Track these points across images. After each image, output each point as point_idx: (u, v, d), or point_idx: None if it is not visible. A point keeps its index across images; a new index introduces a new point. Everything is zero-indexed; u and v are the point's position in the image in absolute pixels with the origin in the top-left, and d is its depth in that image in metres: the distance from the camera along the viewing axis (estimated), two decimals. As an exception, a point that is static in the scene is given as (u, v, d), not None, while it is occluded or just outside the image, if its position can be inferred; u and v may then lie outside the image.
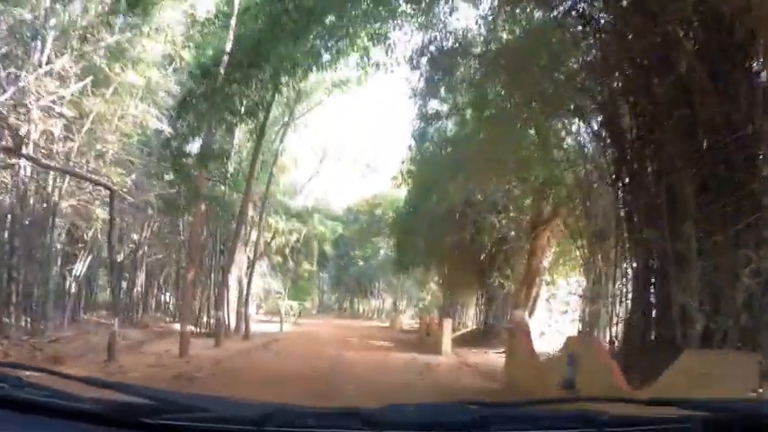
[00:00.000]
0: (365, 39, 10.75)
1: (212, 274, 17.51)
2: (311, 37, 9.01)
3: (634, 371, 6.08)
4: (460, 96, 12.98)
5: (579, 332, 10.40)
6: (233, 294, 17.13)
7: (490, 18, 10.71)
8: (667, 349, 6.40)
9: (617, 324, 8.61)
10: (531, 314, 14.12)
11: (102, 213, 12.72)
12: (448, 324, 15.00)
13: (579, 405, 1.35)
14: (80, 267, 13.92)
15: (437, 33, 11.05)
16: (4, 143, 10.51)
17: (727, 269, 6.01)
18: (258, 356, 12.18)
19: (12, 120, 10.53)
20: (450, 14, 10.82)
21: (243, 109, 10.14)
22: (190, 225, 14.30)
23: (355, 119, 40.13)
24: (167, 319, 18.82)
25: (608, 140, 9.11)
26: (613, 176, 8.83)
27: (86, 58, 11.24)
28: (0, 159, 10.99)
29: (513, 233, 16.98)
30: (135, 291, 17.83)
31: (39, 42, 10.88)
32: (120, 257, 16.50)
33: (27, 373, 1.29)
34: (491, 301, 18.24)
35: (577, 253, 12.55)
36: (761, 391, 3.36)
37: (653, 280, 7.54)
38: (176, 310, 18.59)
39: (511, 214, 16.66)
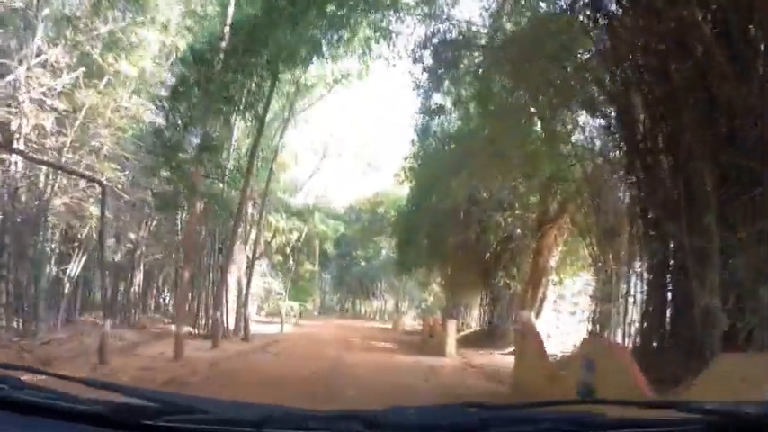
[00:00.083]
0: (366, 29, 10.40)
1: (210, 274, 17.18)
2: (310, 25, 8.68)
3: (651, 374, 5.74)
4: (464, 90, 12.67)
5: (590, 334, 10.03)
6: (232, 295, 16.82)
7: (495, 7, 10.43)
8: (688, 351, 6.06)
9: (630, 324, 8.27)
10: (537, 315, 13.76)
11: (96, 211, 12.38)
12: (452, 325, 14.55)
13: (580, 407, 1.35)
14: (75, 267, 13.60)
15: (440, 25, 10.77)
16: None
17: (751, 265, 5.67)
18: (257, 358, 11.85)
19: (2, 112, 10.22)
20: (454, 5, 10.57)
21: (240, 99, 9.77)
22: (187, 223, 13.99)
23: (357, 114, 39.79)
24: (166, 320, 18.46)
25: (619, 132, 8.78)
26: (625, 170, 8.51)
27: (79, 48, 10.90)
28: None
29: (518, 231, 16.59)
30: (132, 291, 17.51)
31: (30, 32, 10.55)
32: (117, 257, 16.23)
33: (27, 374, 1.30)
34: (496, 302, 17.96)
35: (586, 251, 12.21)
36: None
37: (669, 278, 7.21)
38: (175, 312, 18.28)
39: (516, 212, 16.32)
